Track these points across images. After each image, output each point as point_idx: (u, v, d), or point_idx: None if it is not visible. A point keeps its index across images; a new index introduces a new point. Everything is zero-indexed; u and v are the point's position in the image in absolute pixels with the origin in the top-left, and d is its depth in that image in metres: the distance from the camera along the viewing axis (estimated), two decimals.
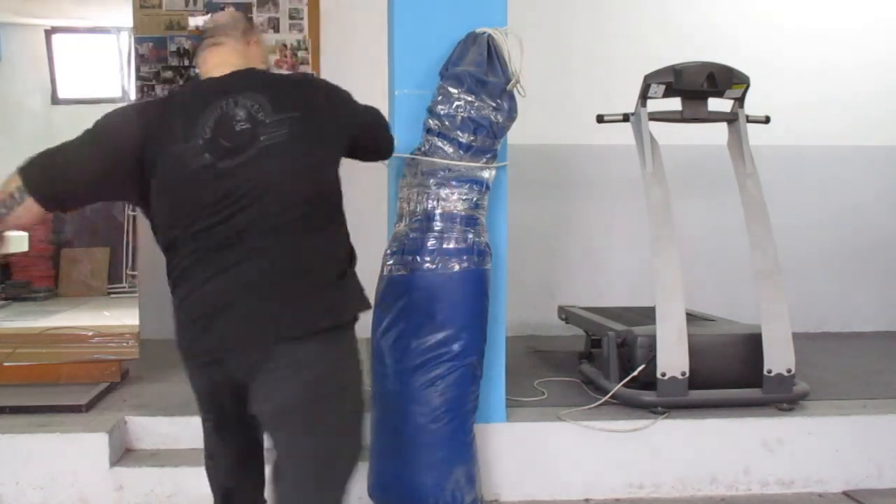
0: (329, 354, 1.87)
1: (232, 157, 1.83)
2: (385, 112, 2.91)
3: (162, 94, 4.82)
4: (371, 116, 2.16)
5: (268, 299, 1.83)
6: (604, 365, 3.31)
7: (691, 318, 3.35)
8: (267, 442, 2.02)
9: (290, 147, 1.85)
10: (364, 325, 2.28)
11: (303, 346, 1.83)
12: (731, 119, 3.34)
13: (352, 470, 1.96)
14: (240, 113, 1.84)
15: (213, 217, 1.82)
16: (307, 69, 4.68)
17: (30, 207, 1.80)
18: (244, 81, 1.93)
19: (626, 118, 3.32)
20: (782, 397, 3.09)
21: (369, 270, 2.16)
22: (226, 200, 1.82)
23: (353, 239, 2.00)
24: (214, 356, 1.88)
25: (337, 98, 2.02)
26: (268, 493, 2.08)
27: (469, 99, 2.52)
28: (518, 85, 2.61)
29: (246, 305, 1.82)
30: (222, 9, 4.73)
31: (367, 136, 2.13)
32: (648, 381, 3.07)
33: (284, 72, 4.59)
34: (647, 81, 3.21)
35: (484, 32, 2.63)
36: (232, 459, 2.13)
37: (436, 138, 2.56)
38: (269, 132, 1.84)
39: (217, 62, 1.99)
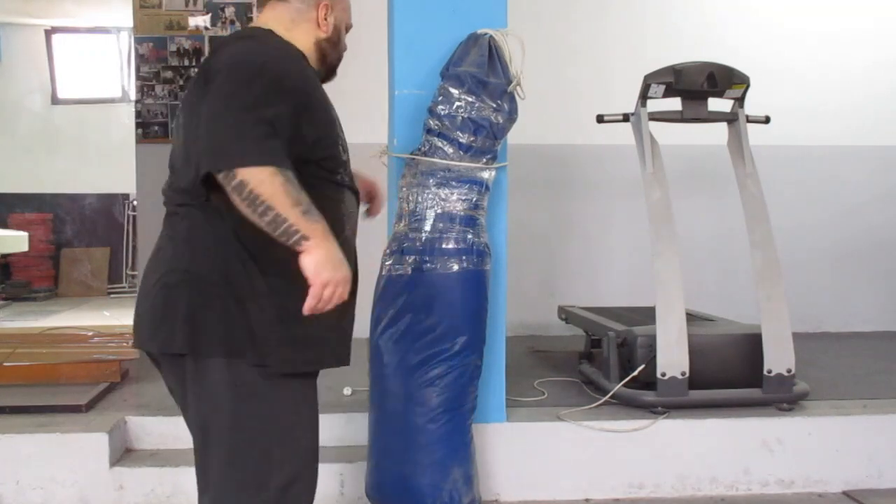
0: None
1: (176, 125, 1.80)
2: (385, 112, 2.95)
3: (161, 94, 4.82)
4: (212, 106, 1.58)
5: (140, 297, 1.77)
6: (604, 365, 3.31)
7: (691, 318, 3.35)
8: None
9: (179, 131, 1.75)
10: (363, 324, 2.29)
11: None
12: (731, 119, 3.33)
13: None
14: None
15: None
16: None
17: None
18: (218, 43, 1.83)
19: (626, 118, 3.32)
20: (782, 397, 3.09)
21: (369, 270, 2.15)
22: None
23: None
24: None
25: (211, 79, 1.63)
26: None
27: (469, 100, 2.52)
28: (518, 87, 2.61)
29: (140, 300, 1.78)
30: (223, 9, 4.76)
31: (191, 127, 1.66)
32: (648, 381, 3.07)
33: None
34: (647, 81, 3.21)
35: (485, 33, 2.63)
36: None
37: (436, 138, 2.56)
38: (181, 110, 1.77)
39: (259, 18, 1.84)
